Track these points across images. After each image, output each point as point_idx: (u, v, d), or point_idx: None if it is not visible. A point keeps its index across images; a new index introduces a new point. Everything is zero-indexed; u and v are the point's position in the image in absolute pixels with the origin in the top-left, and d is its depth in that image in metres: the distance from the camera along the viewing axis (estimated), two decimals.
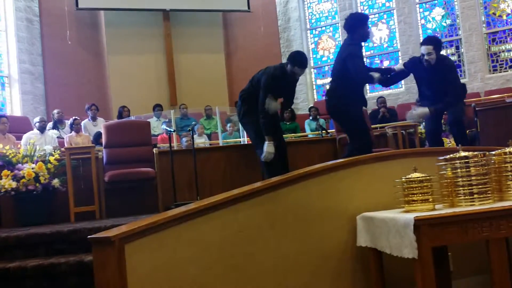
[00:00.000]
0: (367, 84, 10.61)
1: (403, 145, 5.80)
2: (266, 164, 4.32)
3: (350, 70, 4.06)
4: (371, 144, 4.22)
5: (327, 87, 4.52)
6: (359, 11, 10.82)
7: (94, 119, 7.82)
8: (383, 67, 4.67)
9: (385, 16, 10.70)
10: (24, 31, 9.45)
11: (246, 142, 6.55)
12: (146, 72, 9.83)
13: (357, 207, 2.67)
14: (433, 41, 4.33)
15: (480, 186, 2.37)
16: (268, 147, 4.25)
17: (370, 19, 4.33)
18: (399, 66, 4.52)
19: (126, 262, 2.14)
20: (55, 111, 7.97)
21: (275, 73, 4.34)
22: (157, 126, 8.09)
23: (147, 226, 2.22)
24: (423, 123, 6.43)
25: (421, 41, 4.45)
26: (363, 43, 4.32)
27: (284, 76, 4.33)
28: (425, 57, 4.27)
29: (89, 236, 2.31)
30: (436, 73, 4.31)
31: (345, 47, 4.26)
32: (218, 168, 4.93)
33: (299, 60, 4.28)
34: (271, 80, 4.30)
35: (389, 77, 4.46)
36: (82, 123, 7.64)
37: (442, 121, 4.99)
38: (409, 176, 2.40)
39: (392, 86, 10.41)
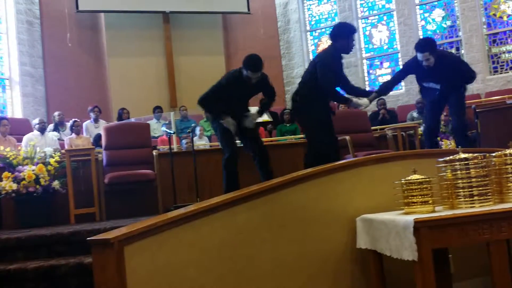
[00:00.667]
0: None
1: (403, 146, 5.79)
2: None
3: (319, 79, 4.11)
4: (329, 155, 4.06)
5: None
6: (359, 13, 10.83)
7: (96, 120, 7.83)
8: (361, 89, 4.65)
9: (385, 18, 10.69)
10: (25, 34, 9.46)
11: None
12: (146, 74, 9.83)
13: (357, 209, 2.66)
14: (427, 47, 4.31)
15: (480, 188, 2.36)
16: (225, 122, 4.32)
17: (356, 33, 4.30)
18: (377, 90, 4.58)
19: (126, 264, 2.14)
20: (56, 113, 7.98)
21: (233, 74, 4.38)
22: (157, 128, 8.10)
23: (147, 228, 2.22)
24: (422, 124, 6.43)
25: (415, 46, 4.40)
26: (345, 55, 4.29)
27: (241, 79, 4.31)
28: (424, 63, 4.31)
29: (88, 238, 2.31)
30: (439, 71, 4.37)
31: (322, 54, 4.30)
32: (218, 170, 4.91)
33: (249, 64, 4.25)
34: (224, 81, 4.37)
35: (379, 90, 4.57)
36: (84, 124, 7.65)
37: (442, 122, 5.01)
38: (409, 178, 2.40)
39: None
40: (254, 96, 4.61)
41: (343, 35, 4.16)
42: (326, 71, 4.10)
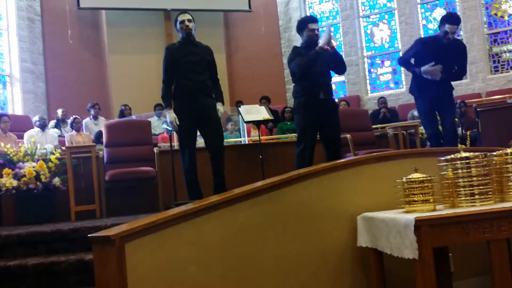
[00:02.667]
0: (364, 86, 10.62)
1: (404, 145, 5.79)
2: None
3: (295, 74, 4.32)
4: (305, 156, 4.19)
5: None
6: (360, 11, 10.82)
7: (95, 118, 7.83)
8: None
9: (386, 16, 10.69)
10: (26, 30, 9.46)
11: (246, 142, 6.54)
12: (147, 72, 9.82)
13: (358, 207, 2.66)
14: (460, 21, 4.59)
15: (481, 187, 2.36)
16: (168, 117, 4.18)
17: (313, 21, 4.40)
18: None
19: (126, 261, 2.14)
20: (59, 110, 8.00)
21: (170, 46, 4.37)
22: (158, 126, 8.09)
23: (147, 225, 2.22)
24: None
25: (447, 18, 4.51)
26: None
27: (182, 45, 4.29)
28: (449, 35, 4.44)
29: (89, 235, 2.31)
30: (449, 52, 4.49)
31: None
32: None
33: (177, 15, 4.34)
34: (164, 58, 4.27)
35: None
36: (83, 122, 7.66)
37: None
38: (410, 176, 2.40)
39: (392, 87, 10.42)
40: (206, 68, 4.37)
41: (298, 30, 4.42)
42: (291, 63, 4.34)
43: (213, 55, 4.46)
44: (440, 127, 4.77)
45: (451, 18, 4.50)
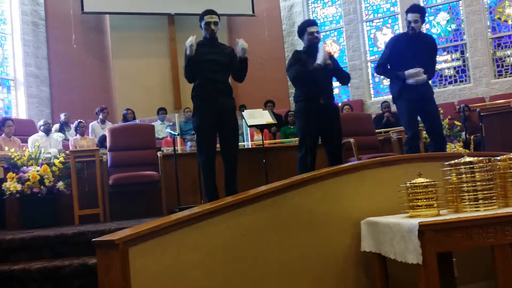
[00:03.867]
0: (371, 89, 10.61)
1: None
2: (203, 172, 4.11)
3: (292, 81, 4.41)
4: (307, 160, 4.20)
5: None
6: (364, 16, 10.83)
7: (103, 122, 7.86)
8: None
9: (389, 21, 10.69)
10: (30, 35, 9.51)
11: (250, 146, 6.55)
12: (150, 76, 9.86)
13: (361, 212, 2.66)
14: (420, 10, 4.48)
15: (485, 192, 2.36)
16: (189, 40, 4.10)
17: (310, 25, 4.50)
18: None
19: (130, 265, 2.14)
20: (62, 114, 8.03)
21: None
22: (161, 130, 8.11)
23: (151, 229, 2.23)
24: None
25: (408, 8, 4.48)
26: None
27: (205, 43, 4.40)
28: (412, 24, 4.37)
29: (93, 239, 2.31)
30: (420, 44, 4.41)
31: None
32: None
33: (201, 13, 4.45)
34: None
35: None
36: (91, 125, 7.70)
37: (447, 126, 4.95)
38: (414, 181, 2.40)
39: None
40: (228, 66, 4.38)
41: (299, 35, 4.57)
42: (289, 69, 4.42)
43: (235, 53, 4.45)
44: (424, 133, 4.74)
45: (411, 8, 4.46)
